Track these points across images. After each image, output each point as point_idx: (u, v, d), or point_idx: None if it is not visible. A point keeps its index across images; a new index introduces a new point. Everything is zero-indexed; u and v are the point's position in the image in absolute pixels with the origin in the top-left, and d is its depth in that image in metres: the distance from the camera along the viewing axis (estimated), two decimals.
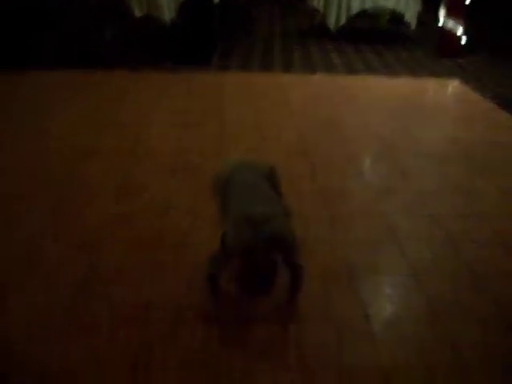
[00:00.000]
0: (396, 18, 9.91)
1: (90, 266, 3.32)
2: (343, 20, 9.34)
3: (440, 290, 3.21)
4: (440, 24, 8.69)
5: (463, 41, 8.58)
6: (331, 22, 9.40)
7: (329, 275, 3.30)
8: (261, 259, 2.61)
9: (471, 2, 8.41)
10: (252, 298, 3.00)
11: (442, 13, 8.62)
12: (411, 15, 9.20)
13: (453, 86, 7.45)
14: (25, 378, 2.51)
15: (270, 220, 2.64)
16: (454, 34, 8.51)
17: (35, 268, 3.30)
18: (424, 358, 2.70)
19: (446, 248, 3.63)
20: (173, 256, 3.44)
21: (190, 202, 4.02)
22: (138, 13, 8.26)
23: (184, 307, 3.01)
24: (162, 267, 3.34)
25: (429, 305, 3.08)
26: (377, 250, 3.58)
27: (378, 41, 9.69)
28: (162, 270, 3.32)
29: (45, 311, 2.95)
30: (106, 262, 3.36)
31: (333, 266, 3.38)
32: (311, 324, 2.90)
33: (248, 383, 2.53)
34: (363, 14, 9.63)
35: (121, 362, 2.62)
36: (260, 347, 2.74)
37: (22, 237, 3.59)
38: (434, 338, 2.83)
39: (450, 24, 8.44)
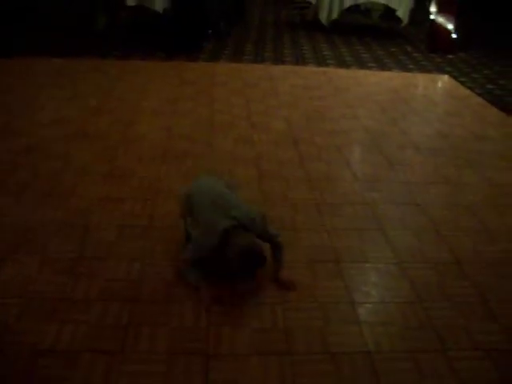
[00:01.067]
0: (388, 13, 9.96)
1: (81, 246, 3.33)
2: (335, 14, 9.38)
3: (424, 277, 3.25)
4: (431, 20, 8.73)
5: (454, 37, 8.63)
6: (323, 15, 9.43)
7: (315, 261, 3.33)
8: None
9: None
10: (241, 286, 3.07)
11: (433, 8, 8.65)
12: (403, 11, 9.25)
13: (442, 81, 7.50)
14: (17, 356, 2.52)
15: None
16: (445, 30, 8.56)
17: (27, 247, 3.30)
18: (408, 343, 2.74)
19: (432, 236, 3.67)
20: (162, 238, 3.46)
21: (178, 186, 4.03)
22: (130, 2, 8.28)
23: (173, 285, 3.04)
24: (151, 248, 3.36)
25: (413, 291, 3.11)
26: (363, 237, 3.61)
27: (370, 35, 9.73)
28: (152, 251, 3.34)
29: (37, 288, 2.96)
30: (96, 243, 3.38)
31: (320, 253, 3.41)
32: (298, 308, 2.92)
33: (237, 366, 2.55)
34: (355, 8, 9.67)
35: (112, 340, 2.64)
36: (248, 328, 2.76)
37: (14, 220, 3.59)
38: (418, 324, 2.87)
39: (441, 20, 8.49)
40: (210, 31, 8.76)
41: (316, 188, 4.20)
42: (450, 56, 8.66)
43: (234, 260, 2.85)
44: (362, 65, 8.02)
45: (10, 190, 3.93)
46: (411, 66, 8.07)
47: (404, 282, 3.20)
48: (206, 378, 2.45)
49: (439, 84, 7.44)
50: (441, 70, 7.92)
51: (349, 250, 3.46)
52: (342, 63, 8.03)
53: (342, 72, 7.58)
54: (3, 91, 6.00)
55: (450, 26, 8.48)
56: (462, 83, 7.27)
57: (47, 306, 2.83)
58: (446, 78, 7.58)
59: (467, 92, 6.94)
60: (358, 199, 4.08)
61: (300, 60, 8.11)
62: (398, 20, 9.45)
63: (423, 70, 7.94)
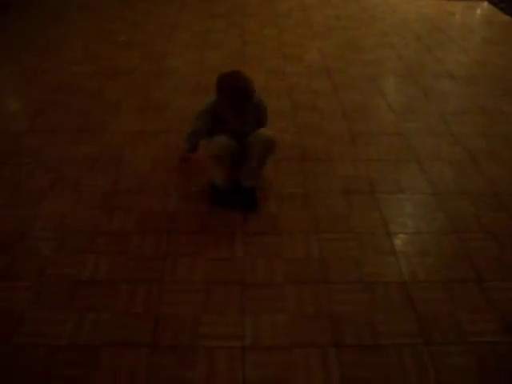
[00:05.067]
0: None
1: (116, 180, 3.37)
2: None
3: (460, 208, 3.22)
4: None
5: None
6: None
7: (351, 192, 3.31)
8: None
9: None
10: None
11: None
12: None
13: (481, 7, 7.23)
14: (58, 288, 2.59)
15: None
16: None
17: (63, 182, 3.34)
18: (443, 274, 2.74)
19: (468, 167, 3.61)
20: (196, 169, 3.47)
21: None
22: None
23: (208, 216, 3.08)
24: (186, 180, 3.38)
25: (449, 222, 3.09)
26: (398, 168, 3.57)
27: None
28: (187, 182, 3.36)
29: (73, 222, 3.01)
30: (130, 177, 3.40)
31: (355, 183, 3.40)
32: (333, 238, 2.93)
33: (272, 294, 2.59)
34: None
35: (150, 270, 2.69)
36: (283, 258, 2.79)
37: (49, 157, 3.62)
38: (453, 255, 2.86)
39: None
40: None
41: (350, 118, 4.15)
42: None
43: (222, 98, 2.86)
44: None
45: (44, 128, 3.96)
46: None
47: (440, 212, 3.18)
48: (242, 306, 2.50)
49: (477, 11, 7.18)
50: None
51: (384, 181, 3.43)
52: None
53: (377, 0, 7.36)
54: (32, 31, 5.95)
55: None
56: (502, 9, 7.00)
57: (84, 240, 2.89)
58: (484, 4, 7.30)
59: (507, 19, 6.69)
60: (393, 130, 4.02)
61: None
62: None
63: None
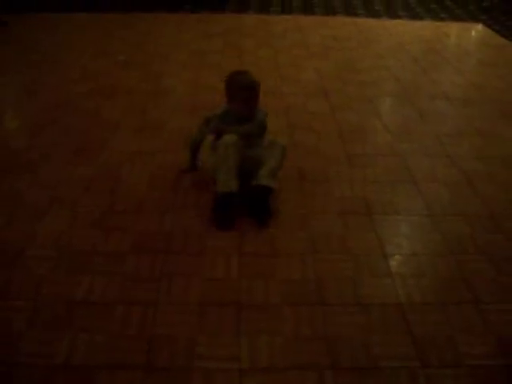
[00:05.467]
0: None
1: (113, 200, 3.36)
2: None
3: (456, 230, 3.22)
4: None
5: None
6: None
7: (347, 213, 3.32)
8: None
9: None
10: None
11: None
12: None
13: (476, 30, 7.31)
14: (53, 307, 2.57)
15: None
16: None
17: (60, 202, 3.34)
18: (440, 296, 2.73)
19: (464, 189, 3.62)
20: (194, 190, 3.48)
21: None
22: None
23: (204, 237, 3.06)
24: (182, 200, 3.38)
25: (445, 244, 3.09)
26: (394, 189, 3.58)
27: None
28: (184, 201, 3.36)
29: (69, 242, 3.00)
30: (127, 197, 3.40)
31: (351, 204, 3.40)
32: (329, 259, 2.93)
33: (268, 316, 2.58)
34: None
35: (146, 291, 2.67)
36: (279, 279, 2.78)
37: (46, 176, 3.62)
38: (450, 276, 2.85)
39: None
40: None
41: (347, 139, 4.17)
42: (484, 3, 8.42)
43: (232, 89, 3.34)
44: (393, 14, 7.84)
45: (42, 146, 3.96)
46: (443, 15, 7.87)
47: (436, 234, 3.18)
48: (238, 327, 2.48)
49: (473, 33, 7.25)
50: (474, 19, 7.71)
51: (380, 202, 3.44)
52: (372, 13, 7.87)
53: (373, 22, 7.42)
54: (30, 48, 5.99)
55: None
56: (497, 32, 7.07)
57: (80, 259, 2.87)
58: (479, 26, 7.38)
59: (503, 41, 6.75)
60: (389, 151, 4.04)
61: (329, 10, 7.95)
62: None
63: (456, 18, 7.74)
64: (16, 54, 5.81)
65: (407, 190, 3.58)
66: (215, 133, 3.36)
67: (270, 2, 8.24)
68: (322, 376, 2.28)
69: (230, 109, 3.37)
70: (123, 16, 7.24)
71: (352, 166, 3.82)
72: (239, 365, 2.31)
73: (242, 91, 3.28)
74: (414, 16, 7.77)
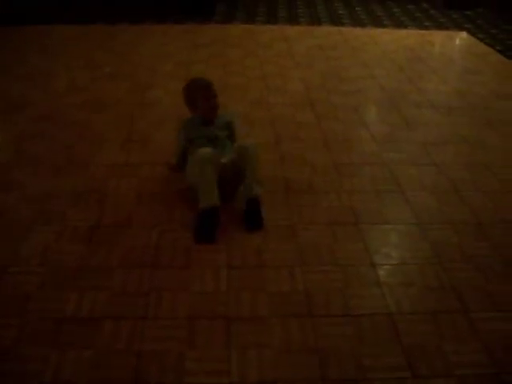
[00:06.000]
0: None
1: (100, 214, 3.34)
2: None
3: (444, 238, 3.23)
4: None
5: None
6: None
7: (335, 223, 3.32)
8: None
9: None
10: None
11: None
12: None
13: (461, 38, 7.36)
14: (41, 324, 2.54)
15: None
16: None
17: (46, 217, 3.31)
18: (429, 304, 2.73)
19: (451, 196, 3.64)
20: (182, 202, 3.46)
21: None
22: None
23: (192, 250, 3.05)
24: (170, 213, 3.37)
25: (433, 252, 3.10)
26: (382, 198, 3.59)
27: None
28: (171, 215, 3.35)
29: (57, 257, 2.98)
30: (114, 210, 3.38)
31: (339, 214, 3.40)
32: (317, 270, 2.92)
33: (258, 329, 2.57)
34: None
35: (134, 306, 2.66)
36: (267, 292, 2.77)
37: (32, 191, 3.60)
38: (438, 285, 2.85)
39: None
40: None
41: (334, 149, 4.17)
42: (468, 12, 8.48)
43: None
44: (378, 23, 7.89)
45: (27, 160, 3.94)
46: (428, 24, 7.93)
47: (424, 243, 3.19)
48: (228, 341, 2.47)
49: (457, 41, 7.30)
50: (459, 27, 7.78)
51: (368, 211, 3.44)
52: (357, 22, 7.91)
53: (358, 31, 7.46)
54: (17, 60, 5.97)
55: None
56: (481, 40, 7.14)
57: (68, 275, 2.85)
58: (464, 34, 7.44)
59: (487, 49, 6.81)
60: (376, 160, 4.05)
61: (315, 20, 7.98)
62: None
63: (440, 27, 7.79)
64: (2, 66, 5.78)
65: (395, 198, 3.59)
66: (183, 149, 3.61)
67: (256, 13, 8.26)
68: None
69: (194, 116, 3.64)
70: (109, 28, 7.24)
71: (339, 175, 3.82)
72: (229, 379, 2.30)
73: (201, 91, 3.56)
74: (399, 25, 7.82)
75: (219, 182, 3.21)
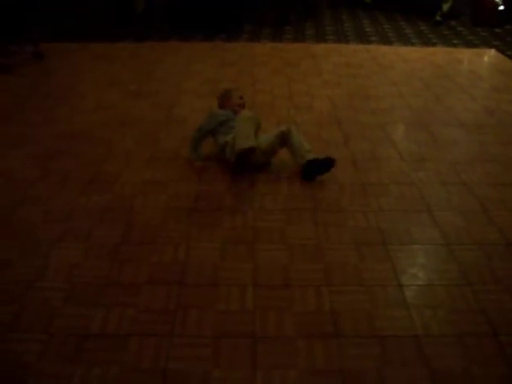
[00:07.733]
0: None
1: (126, 231, 3.37)
2: None
3: (473, 259, 3.18)
4: None
5: (501, 9, 8.38)
6: None
7: (362, 243, 3.29)
8: None
9: None
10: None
11: None
12: None
13: (489, 55, 7.31)
14: (66, 340, 2.56)
15: None
16: (491, 2, 8.32)
17: (73, 233, 3.35)
18: (457, 327, 2.69)
19: (480, 217, 3.59)
20: (208, 221, 3.47)
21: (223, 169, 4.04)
22: None
23: (218, 268, 3.05)
24: (197, 231, 3.37)
25: (462, 273, 3.06)
26: (409, 218, 3.55)
27: (412, 10, 9.52)
28: (198, 233, 3.36)
29: (83, 273, 3.00)
30: (141, 227, 3.40)
31: (366, 234, 3.38)
32: (344, 291, 2.90)
33: (283, 349, 2.55)
34: None
35: (160, 323, 2.66)
36: (294, 312, 2.76)
37: (59, 207, 3.64)
38: (466, 307, 2.81)
39: None
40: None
41: (361, 168, 4.16)
42: (497, 29, 8.43)
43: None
44: (406, 41, 7.88)
45: (54, 177, 3.99)
46: (455, 41, 7.89)
47: (452, 263, 3.15)
48: (254, 360, 2.46)
49: (485, 58, 7.25)
50: (487, 44, 7.72)
51: (395, 232, 3.41)
52: (384, 40, 7.91)
53: (385, 49, 7.46)
54: (44, 78, 6.06)
55: None
56: (510, 57, 7.07)
57: (94, 291, 2.86)
58: (492, 52, 7.39)
59: None
60: (404, 179, 4.02)
61: (342, 38, 8.00)
62: None
63: (468, 44, 7.75)
64: (31, 84, 5.88)
65: (422, 218, 3.56)
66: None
67: (283, 31, 8.30)
68: None
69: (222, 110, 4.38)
70: (135, 45, 7.32)
71: (366, 195, 3.80)
72: None
73: (236, 91, 4.56)
74: (427, 42, 7.79)
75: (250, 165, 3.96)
